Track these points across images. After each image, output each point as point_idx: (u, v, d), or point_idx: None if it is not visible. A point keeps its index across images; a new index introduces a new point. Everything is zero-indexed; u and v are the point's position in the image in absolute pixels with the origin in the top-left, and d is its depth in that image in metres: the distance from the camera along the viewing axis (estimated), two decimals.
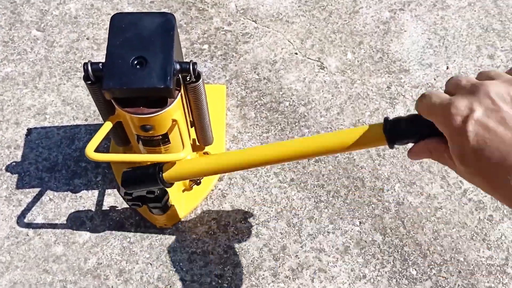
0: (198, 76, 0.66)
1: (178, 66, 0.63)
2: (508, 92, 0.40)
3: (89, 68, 0.63)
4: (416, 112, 0.48)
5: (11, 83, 0.94)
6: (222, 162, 0.64)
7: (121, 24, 0.64)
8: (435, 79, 0.95)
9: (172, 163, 0.65)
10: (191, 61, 0.64)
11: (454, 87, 0.44)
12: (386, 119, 0.52)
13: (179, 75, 0.65)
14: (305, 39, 1.00)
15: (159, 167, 0.66)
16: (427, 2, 1.04)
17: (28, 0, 1.03)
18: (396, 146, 0.53)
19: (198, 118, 0.75)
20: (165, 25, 0.64)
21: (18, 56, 0.97)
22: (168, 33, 0.64)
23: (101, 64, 0.63)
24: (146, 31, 0.64)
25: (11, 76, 0.95)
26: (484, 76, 0.44)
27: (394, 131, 0.51)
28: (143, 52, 0.62)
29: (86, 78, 0.65)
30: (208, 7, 1.03)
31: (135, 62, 0.62)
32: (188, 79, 0.66)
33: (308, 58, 0.98)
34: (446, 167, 0.50)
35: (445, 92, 0.45)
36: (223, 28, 1.01)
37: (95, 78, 0.64)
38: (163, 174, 0.65)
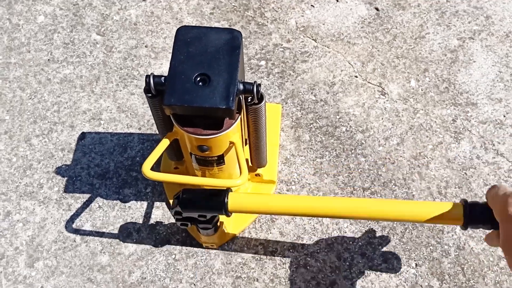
0: (261, 98, 0.64)
1: (241, 87, 0.61)
2: None
3: (151, 81, 0.62)
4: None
5: (69, 85, 0.95)
6: (295, 207, 0.66)
7: (186, 38, 0.63)
8: (504, 116, 0.89)
9: (239, 194, 0.64)
10: (255, 82, 0.61)
11: None
12: (465, 202, 0.58)
13: (241, 96, 0.64)
14: (366, 62, 0.96)
15: (226, 196, 0.65)
16: (500, 33, 0.98)
17: (91, 3, 1.04)
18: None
19: (255, 139, 0.73)
20: (231, 42, 0.62)
21: (77, 58, 0.98)
22: (234, 51, 0.62)
23: (163, 78, 0.61)
24: (211, 47, 0.62)
25: (69, 78, 0.96)
26: None
27: (473, 216, 0.57)
28: (207, 69, 0.60)
29: (147, 91, 0.63)
30: (267, 22, 1.01)
31: (198, 79, 0.60)
32: (250, 100, 0.64)
33: (369, 82, 0.94)
34: None
35: None
36: (282, 44, 0.99)
37: (156, 91, 0.63)
38: (229, 204, 0.64)
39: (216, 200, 0.64)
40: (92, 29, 1.01)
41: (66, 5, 1.04)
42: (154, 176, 0.62)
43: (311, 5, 1.03)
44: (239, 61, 0.61)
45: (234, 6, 1.03)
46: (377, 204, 0.63)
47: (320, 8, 1.03)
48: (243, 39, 0.99)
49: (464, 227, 0.58)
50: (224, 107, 0.58)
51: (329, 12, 1.02)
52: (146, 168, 0.62)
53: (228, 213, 0.66)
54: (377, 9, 1.02)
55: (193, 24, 1.01)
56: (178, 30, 0.64)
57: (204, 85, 0.60)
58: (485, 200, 0.57)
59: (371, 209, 0.62)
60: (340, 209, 0.64)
